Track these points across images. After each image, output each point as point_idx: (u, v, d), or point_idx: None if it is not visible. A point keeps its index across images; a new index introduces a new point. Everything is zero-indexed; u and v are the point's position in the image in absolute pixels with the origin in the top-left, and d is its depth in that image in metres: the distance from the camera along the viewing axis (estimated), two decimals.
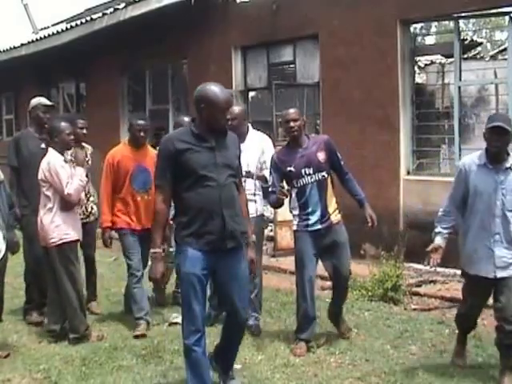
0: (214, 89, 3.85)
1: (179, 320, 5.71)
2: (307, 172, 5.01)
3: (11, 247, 5.00)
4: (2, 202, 4.93)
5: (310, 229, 5.05)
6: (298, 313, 5.15)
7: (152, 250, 3.90)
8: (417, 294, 6.64)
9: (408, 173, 8.37)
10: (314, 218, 5.03)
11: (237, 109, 5.33)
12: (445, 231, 4.50)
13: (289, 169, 5.03)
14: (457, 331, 4.95)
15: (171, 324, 5.73)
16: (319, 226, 5.03)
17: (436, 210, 4.67)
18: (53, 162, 5.16)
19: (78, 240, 5.38)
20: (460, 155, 8.08)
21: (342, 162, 5.18)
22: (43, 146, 5.76)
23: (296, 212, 5.13)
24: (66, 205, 5.21)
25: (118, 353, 5.11)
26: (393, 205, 8.16)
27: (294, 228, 5.17)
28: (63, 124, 5.37)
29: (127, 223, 5.69)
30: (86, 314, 5.54)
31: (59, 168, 5.16)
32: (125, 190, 5.69)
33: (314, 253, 5.05)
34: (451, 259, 7.52)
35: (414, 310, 6.17)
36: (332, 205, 5.09)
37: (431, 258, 4.46)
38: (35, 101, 6.23)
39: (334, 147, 5.14)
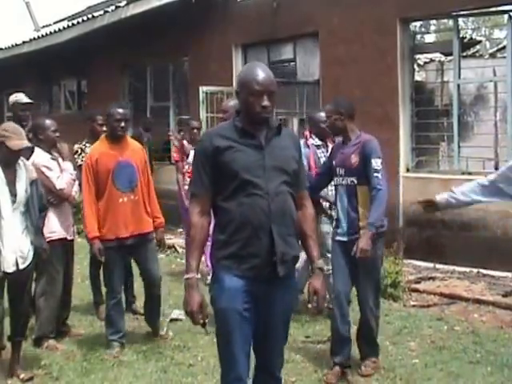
0: (251, 67, 3.05)
1: (181, 316, 5.78)
2: (340, 172, 4.47)
3: (39, 254, 4.54)
4: (33, 203, 4.49)
5: (336, 238, 4.50)
6: (332, 331, 4.60)
7: (185, 276, 2.97)
8: (416, 290, 6.66)
9: (407, 170, 8.40)
10: (341, 228, 4.45)
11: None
12: None
13: (333, 162, 4.55)
14: (456, 328, 4.90)
15: (172, 320, 5.73)
16: (345, 239, 4.41)
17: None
18: (38, 161, 5.00)
19: (64, 238, 5.16)
20: (459, 153, 8.14)
21: (376, 175, 4.30)
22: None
23: (335, 215, 4.63)
24: (54, 203, 5.07)
25: None
26: (392, 202, 8.15)
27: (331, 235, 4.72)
28: (48, 121, 5.21)
29: (114, 233, 5.00)
30: (61, 316, 5.38)
31: (46, 165, 5.04)
32: (108, 192, 4.99)
33: (344, 265, 4.41)
34: (450, 256, 7.66)
35: (413, 306, 6.20)
36: (366, 218, 4.31)
37: None
38: (12, 98, 6.03)
39: (370, 153, 4.35)
